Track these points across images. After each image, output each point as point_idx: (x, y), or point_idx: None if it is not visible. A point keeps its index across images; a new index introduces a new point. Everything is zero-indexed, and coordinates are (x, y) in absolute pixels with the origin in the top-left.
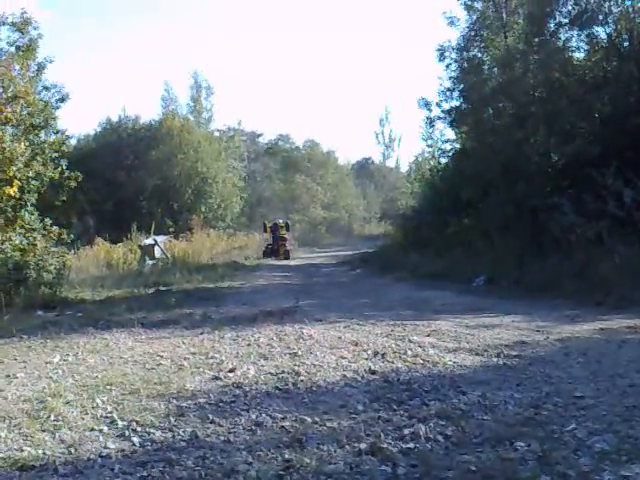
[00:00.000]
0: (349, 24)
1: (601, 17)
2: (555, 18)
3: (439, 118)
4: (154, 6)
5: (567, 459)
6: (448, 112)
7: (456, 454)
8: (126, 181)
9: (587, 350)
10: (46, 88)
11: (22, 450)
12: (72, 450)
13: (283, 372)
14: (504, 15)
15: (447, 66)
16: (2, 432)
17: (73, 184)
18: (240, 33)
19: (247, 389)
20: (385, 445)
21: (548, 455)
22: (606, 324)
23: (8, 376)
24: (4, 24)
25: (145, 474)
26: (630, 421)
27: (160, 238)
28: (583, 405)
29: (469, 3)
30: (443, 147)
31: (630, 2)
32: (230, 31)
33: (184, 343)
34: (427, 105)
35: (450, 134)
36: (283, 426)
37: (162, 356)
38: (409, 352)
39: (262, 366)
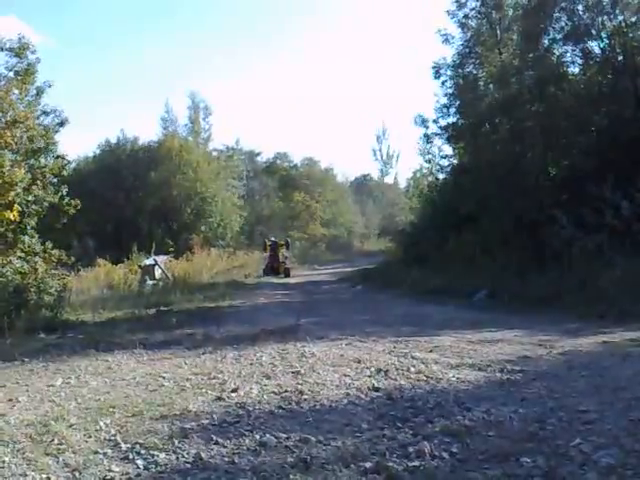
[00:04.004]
0: (346, 41)
1: (595, 32)
2: (549, 34)
3: (436, 134)
4: (151, 27)
5: (573, 474)
6: (445, 128)
7: (462, 471)
8: (126, 202)
9: (590, 364)
10: (45, 113)
11: (26, 475)
12: (76, 474)
13: (286, 391)
14: (498, 32)
15: (443, 83)
16: (6, 457)
17: (72, 211)
18: (237, 52)
19: (250, 409)
20: (390, 463)
21: (554, 471)
22: (609, 337)
23: (11, 400)
24: (2, 49)
25: None
26: (635, 435)
27: (160, 258)
28: (588, 419)
29: (463, 20)
30: (441, 163)
31: (623, 17)
32: (227, 50)
33: (186, 364)
34: (424, 122)
35: (447, 150)
36: (287, 446)
37: (164, 377)
38: (412, 369)
39: (265, 385)
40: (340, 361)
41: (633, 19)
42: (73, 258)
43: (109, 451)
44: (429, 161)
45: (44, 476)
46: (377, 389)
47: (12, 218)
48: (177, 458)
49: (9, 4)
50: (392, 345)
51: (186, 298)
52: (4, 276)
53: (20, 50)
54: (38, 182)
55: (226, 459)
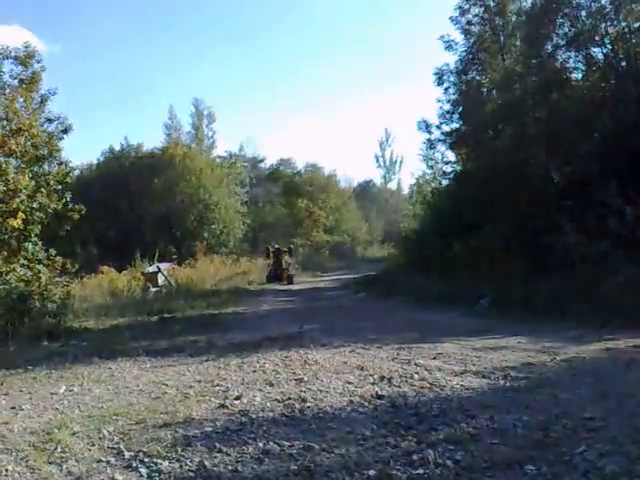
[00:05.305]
0: (348, 47)
1: (598, 38)
2: (552, 40)
3: (439, 140)
4: (153, 34)
5: None
6: (448, 134)
7: (466, 479)
8: (129, 209)
9: (594, 371)
10: (49, 120)
11: None
12: None
13: (289, 398)
14: (501, 38)
15: (446, 89)
16: (9, 465)
17: (76, 216)
18: (240, 58)
19: (254, 417)
20: (394, 471)
21: (558, 478)
22: (612, 344)
23: (14, 408)
24: (7, 58)
25: None
26: None
27: (163, 265)
28: (592, 427)
29: (466, 27)
30: (444, 169)
31: (626, 23)
32: (230, 56)
33: (189, 371)
34: (427, 127)
35: (451, 156)
36: (291, 454)
37: (167, 385)
38: (415, 376)
39: (268, 393)
40: (343, 368)
41: (636, 25)
42: (77, 265)
43: (112, 459)
44: (432, 167)
45: None
46: (381, 396)
47: (16, 225)
48: (181, 466)
49: (12, 11)
50: (395, 352)
51: (189, 305)
52: (8, 283)
53: (26, 59)
54: (42, 189)
55: (229, 467)
